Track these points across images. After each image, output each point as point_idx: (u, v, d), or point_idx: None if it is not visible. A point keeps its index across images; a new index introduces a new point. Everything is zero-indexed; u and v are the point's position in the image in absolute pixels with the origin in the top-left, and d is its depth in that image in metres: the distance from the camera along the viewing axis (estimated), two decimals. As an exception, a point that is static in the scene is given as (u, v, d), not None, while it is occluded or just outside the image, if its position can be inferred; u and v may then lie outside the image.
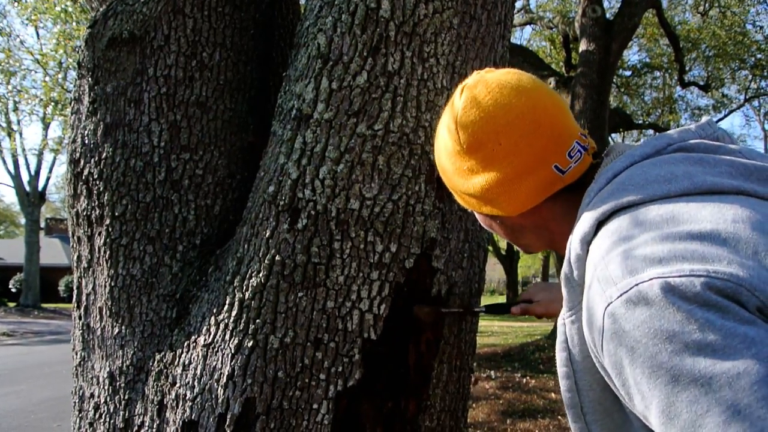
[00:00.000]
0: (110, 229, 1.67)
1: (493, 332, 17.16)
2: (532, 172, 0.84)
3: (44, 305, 26.41)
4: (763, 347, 0.54)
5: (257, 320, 1.37)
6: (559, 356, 0.80)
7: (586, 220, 0.74)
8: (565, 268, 0.76)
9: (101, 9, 1.79)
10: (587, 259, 0.72)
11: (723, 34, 14.92)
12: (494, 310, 1.52)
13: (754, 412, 0.51)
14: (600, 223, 0.73)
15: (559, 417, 6.29)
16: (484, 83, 0.88)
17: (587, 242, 0.73)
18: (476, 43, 1.53)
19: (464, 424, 1.66)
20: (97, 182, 1.69)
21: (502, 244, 28.81)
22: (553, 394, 7.40)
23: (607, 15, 11.76)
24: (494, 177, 0.86)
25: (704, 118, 0.85)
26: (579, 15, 11.36)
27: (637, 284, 0.61)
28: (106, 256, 1.68)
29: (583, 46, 11.13)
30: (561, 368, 0.80)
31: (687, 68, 15.59)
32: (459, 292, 1.53)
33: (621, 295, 0.62)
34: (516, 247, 1.05)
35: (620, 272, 0.63)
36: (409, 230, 1.40)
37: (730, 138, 0.83)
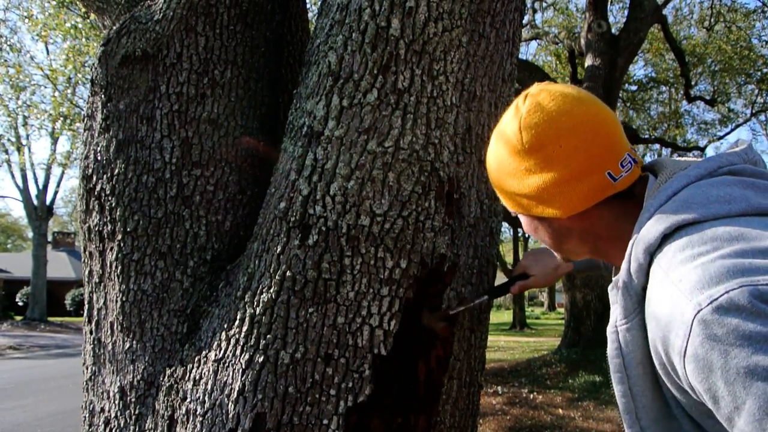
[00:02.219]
0: (122, 245, 1.69)
1: (500, 347, 17.06)
2: (587, 176, 0.89)
3: (51, 319, 26.49)
4: None
5: (268, 336, 1.38)
6: (613, 363, 0.84)
7: (651, 232, 0.79)
8: (623, 277, 0.82)
9: (114, 27, 1.82)
10: (650, 268, 0.78)
11: (729, 48, 14.96)
12: (496, 293, 1.51)
13: None
14: (665, 237, 0.78)
15: (567, 433, 6.24)
16: (548, 92, 0.94)
17: (651, 252, 0.79)
18: (485, 60, 1.54)
19: (474, 440, 1.66)
20: (110, 198, 1.71)
21: (510, 259, 28.68)
22: (560, 410, 7.33)
23: (613, 30, 11.82)
24: (551, 177, 0.91)
25: (743, 143, 0.91)
26: (584, 30, 11.43)
27: (727, 292, 0.65)
28: (118, 271, 1.69)
29: (588, 61, 11.19)
30: (615, 374, 0.85)
31: (693, 83, 15.61)
32: (467, 306, 1.53)
33: (711, 302, 0.66)
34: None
35: (706, 281, 0.68)
36: (418, 246, 1.41)
37: (764, 163, 0.89)
